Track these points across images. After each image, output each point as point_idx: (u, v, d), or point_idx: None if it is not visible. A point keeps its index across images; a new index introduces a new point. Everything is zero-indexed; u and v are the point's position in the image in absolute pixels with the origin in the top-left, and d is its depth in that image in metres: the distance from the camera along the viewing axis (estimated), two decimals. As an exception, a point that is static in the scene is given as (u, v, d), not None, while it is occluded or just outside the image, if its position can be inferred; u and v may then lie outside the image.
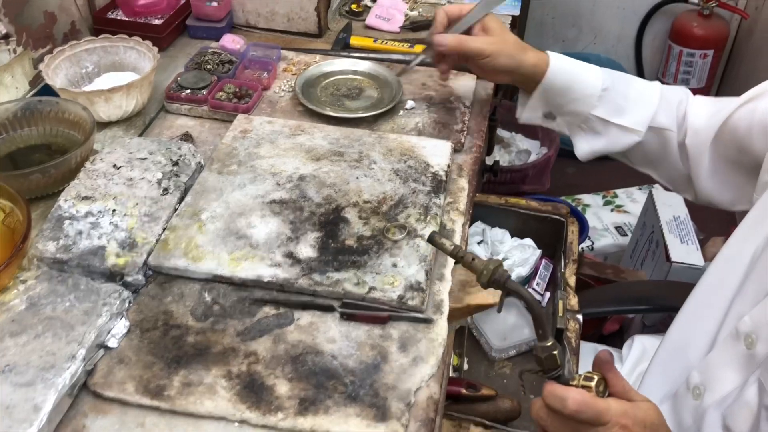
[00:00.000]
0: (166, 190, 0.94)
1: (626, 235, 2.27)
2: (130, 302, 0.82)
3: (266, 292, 0.83)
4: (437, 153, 1.01)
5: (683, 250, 1.85)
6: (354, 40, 1.29)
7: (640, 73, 2.96)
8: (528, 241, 1.22)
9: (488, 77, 1.11)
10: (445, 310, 0.82)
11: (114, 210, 0.89)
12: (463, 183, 1.00)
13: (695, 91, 2.95)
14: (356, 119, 1.10)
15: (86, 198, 0.90)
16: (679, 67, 2.72)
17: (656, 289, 1.28)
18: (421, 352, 0.77)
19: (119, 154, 0.98)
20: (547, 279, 1.16)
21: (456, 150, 1.05)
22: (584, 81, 0.99)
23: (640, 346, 1.18)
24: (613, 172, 2.02)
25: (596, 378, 0.70)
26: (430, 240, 0.78)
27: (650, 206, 2.01)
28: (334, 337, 0.78)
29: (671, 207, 1.97)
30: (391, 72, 1.16)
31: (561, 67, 0.98)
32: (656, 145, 1.02)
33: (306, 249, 0.87)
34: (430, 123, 1.10)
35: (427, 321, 0.80)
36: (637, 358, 1.16)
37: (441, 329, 0.80)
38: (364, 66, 1.19)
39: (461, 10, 1.01)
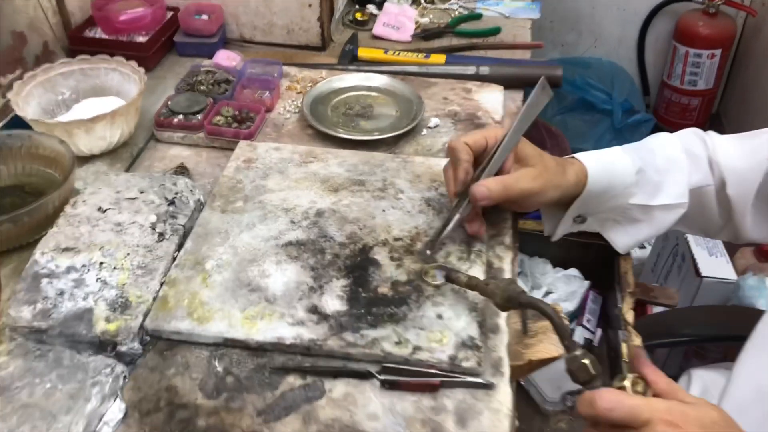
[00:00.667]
0: (161, 236, 0.80)
1: (644, 247, 2.15)
2: (125, 378, 0.67)
3: (289, 358, 0.69)
4: (472, 178, 0.88)
5: (713, 263, 1.74)
6: (362, 52, 1.16)
7: (643, 75, 2.86)
8: (573, 271, 1.09)
9: (525, 210, 0.90)
10: (506, 370, 0.68)
11: (101, 263, 0.75)
12: (505, 212, 0.87)
13: (703, 93, 2.80)
14: (374, 141, 0.97)
15: (67, 249, 0.76)
16: (686, 69, 2.61)
17: (716, 315, 1.16)
18: (485, 428, 0.63)
19: (105, 195, 0.84)
20: (597, 314, 1.03)
21: (492, 173, 0.92)
22: (620, 173, 0.84)
23: (700, 383, 1.05)
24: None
25: (631, 377, 0.61)
26: (447, 278, 0.73)
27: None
28: (376, 413, 0.65)
29: None
30: (409, 87, 1.03)
31: (598, 171, 0.83)
32: (693, 206, 0.89)
33: (333, 301, 0.73)
34: (460, 143, 0.97)
35: (487, 386, 0.66)
36: (699, 394, 1.03)
37: (505, 396, 0.66)
38: (379, 81, 1.06)
39: (485, 138, 0.80)
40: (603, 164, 0.83)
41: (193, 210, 0.84)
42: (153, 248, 0.78)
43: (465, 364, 0.67)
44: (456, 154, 0.79)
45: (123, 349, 0.69)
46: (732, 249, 2.02)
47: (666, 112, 2.78)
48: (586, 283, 1.07)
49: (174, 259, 0.78)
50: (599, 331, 1.06)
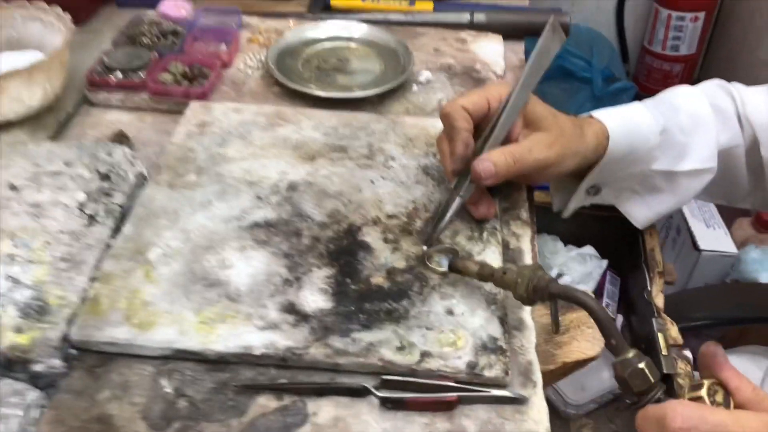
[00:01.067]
0: (92, 219, 0.63)
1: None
2: (43, 408, 0.51)
3: (260, 372, 0.54)
4: (476, 140, 0.73)
5: (711, 236, 1.62)
6: (336, 0, 0.99)
7: (622, 42, 2.74)
8: (588, 249, 0.95)
9: (537, 183, 0.76)
10: (538, 378, 0.54)
11: (12, 256, 0.58)
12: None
13: (686, 59, 2.69)
14: (356, 100, 0.81)
15: (-33, 239, 0.59)
16: (668, 33, 2.49)
17: (735, 295, 1.04)
18: (519, 457, 0.49)
19: (19, 169, 0.66)
20: (617, 298, 0.90)
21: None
22: (643, 134, 0.70)
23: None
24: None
25: (706, 384, 0.48)
26: (452, 268, 0.58)
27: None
28: (376, 442, 0.50)
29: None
30: (393, 36, 0.87)
31: (620, 133, 0.68)
32: (719, 170, 0.76)
33: (314, 296, 0.57)
34: (457, 100, 0.81)
35: (517, 401, 0.52)
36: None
37: (540, 413, 0.51)
38: (358, 30, 0.90)
39: (487, 99, 0.65)
40: (625, 124, 0.69)
41: (133, 186, 0.68)
42: (81, 235, 0.61)
43: (488, 374, 0.52)
44: (451, 121, 0.63)
45: (39, 368, 0.52)
46: (729, 220, 1.91)
47: (647, 79, 2.67)
48: (604, 262, 0.94)
49: (108, 247, 0.62)
50: (620, 318, 0.93)
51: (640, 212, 0.78)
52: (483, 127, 0.64)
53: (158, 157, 0.73)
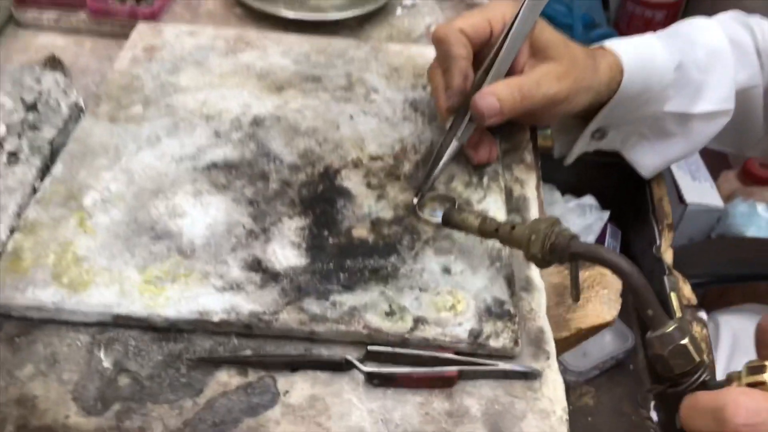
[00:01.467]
0: (14, 156, 0.52)
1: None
2: (-56, 388, 0.41)
3: (219, 342, 0.44)
4: (471, 72, 0.63)
5: (697, 189, 1.57)
6: None
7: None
8: (589, 199, 0.87)
9: (544, 123, 0.66)
10: (551, 347, 0.46)
11: None
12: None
13: (668, 6, 2.61)
14: (331, 24, 0.70)
15: None
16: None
17: (735, 250, 0.98)
18: (532, 443, 0.41)
19: None
20: (618, 251, 0.83)
21: (495, 66, 0.67)
22: (659, 70, 0.60)
23: (729, 331, 0.87)
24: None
25: None
26: (447, 221, 0.49)
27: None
28: (362, 426, 0.41)
29: (692, 165, 1.69)
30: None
31: (636, 67, 0.58)
32: (735, 113, 0.68)
33: (284, 251, 0.48)
34: (448, 27, 0.71)
35: (529, 375, 0.43)
36: (730, 349, 0.86)
37: (555, 389, 0.43)
38: (332, -56, 0.78)
39: (488, 21, 0.55)
40: (640, 57, 0.60)
41: (66, 119, 0.56)
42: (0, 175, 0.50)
43: (494, 343, 0.44)
44: (446, 47, 0.53)
45: (-58, 339, 0.42)
46: (715, 173, 1.86)
47: (628, 26, 2.57)
48: (605, 213, 0.86)
49: (34, 191, 0.51)
50: (619, 276, 0.86)
51: (647, 159, 0.71)
52: (484, 55, 0.54)
53: (98, 86, 0.62)
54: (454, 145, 0.52)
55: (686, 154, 0.73)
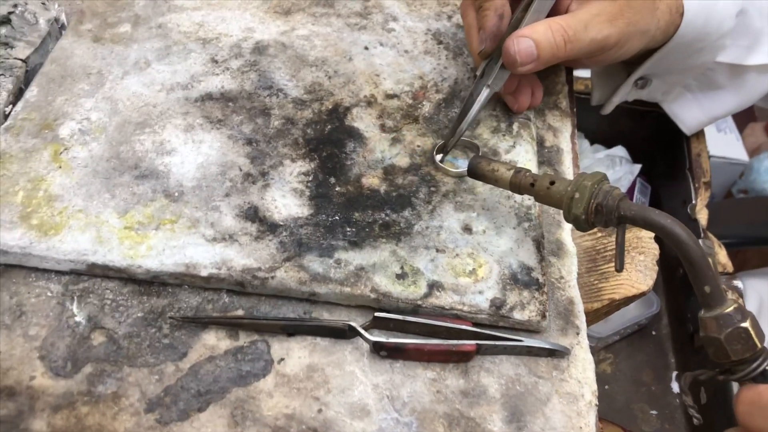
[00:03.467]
0: (-19, 76, 0.46)
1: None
2: None
3: (207, 299, 0.39)
4: (503, 2, 0.56)
5: (722, 141, 1.50)
6: None
7: None
8: (619, 150, 0.80)
9: (588, 68, 0.60)
10: (581, 321, 0.40)
11: None
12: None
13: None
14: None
15: None
16: None
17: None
18: (556, 427, 0.36)
19: None
20: (646, 209, 0.77)
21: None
22: (719, 14, 0.51)
23: (755, 295, 0.82)
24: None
25: None
26: (474, 172, 0.42)
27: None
28: (364, 402, 0.36)
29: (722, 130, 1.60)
30: None
31: (696, 10, 0.50)
32: None
33: (285, 199, 0.42)
34: (478, -50, 0.63)
35: (556, 353, 0.38)
36: (756, 313, 0.81)
37: (585, 370, 0.38)
38: None
39: None
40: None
41: (44, 35, 0.50)
42: (-36, 97, 0.44)
43: (519, 316, 0.38)
44: None
45: None
46: (741, 124, 1.78)
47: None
48: (637, 167, 0.79)
49: (5, 117, 0.45)
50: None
51: (690, 114, 0.64)
52: None
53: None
54: (485, 93, 0.45)
55: (733, 110, 0.66)
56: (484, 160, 0.42)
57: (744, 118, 1.83)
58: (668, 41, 0.51)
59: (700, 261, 0.34)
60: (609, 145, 0.82)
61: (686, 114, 0.64)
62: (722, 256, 0.60)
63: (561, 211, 0.39)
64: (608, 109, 0.60)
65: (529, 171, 0.40)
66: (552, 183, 0.39)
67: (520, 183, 0.40)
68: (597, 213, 0.37)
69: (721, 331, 0.34)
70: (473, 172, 0.42)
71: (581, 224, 0.38)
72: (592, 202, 0.37)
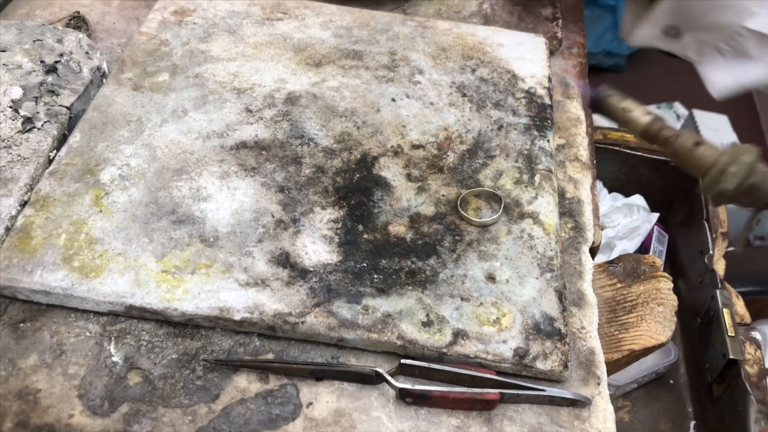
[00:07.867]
0: (29, 123, 0.48)
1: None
2: (-59, 376, 0.38)
3: (239, 342, 0.41)
4: (525, 56, 0.58)
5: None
6: None
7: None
8: (637, 199, 0.81)
9: None
10: (602, 372, 0.41)
11: None
12: (575, 110, 0.57)
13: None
14: (375, -4, 0.65)
15: None
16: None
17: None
18: (579, 481, 0.37)
19: (-64, 50, 0.51)
20: (664, 257, 0.77)
21: (550, 50, 0.62)
22: None
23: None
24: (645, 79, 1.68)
25: None
26: (600, 105, 0.39)
27: (690, 128, 1.64)
28: (391, 450, 0.37)
29: (717, 132, 1.61)
30: None
31: None
32: None
33: (315, 246, 0.44)
34: (501, 4, 0.66)
35: (577, 403, 0.39)
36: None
37: (606, 420, 0.39)
38: None
39: None
40: None
41: (87, 84, 0.52)
42: (12, 143, 0.47)
43: (541, 365, 0.39)
44: None
45: (-59, 321, 0.39)
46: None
47: (674, 11, 2.48)
48: (654, 216, 0.80)
49: (49, 162, 0.47)
50: (665, 282, 0.81)
51: (720, 78, 0.63)
52: None
53: (123, 49, 0.58)
54: None
55: (762, 82, 0.66)
56: (616, 95, 0.39)
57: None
58: None
59: None
60: (627, 193, 0.84)
61: (716, 77, 0.64)
62: (740, 306, 0.60)
63: (584, 261, 0.40)
64: (634, 41, 0.60)
65: (670, 126, 0.38)
66: (697, 144, 0.36)
67: (657, 132, 0.37)
68: (747, 192, 0.35)
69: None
70: (598, 106, 0.39)
71: (721, 198, 0.35)
72: (746, 179, 0.35)
